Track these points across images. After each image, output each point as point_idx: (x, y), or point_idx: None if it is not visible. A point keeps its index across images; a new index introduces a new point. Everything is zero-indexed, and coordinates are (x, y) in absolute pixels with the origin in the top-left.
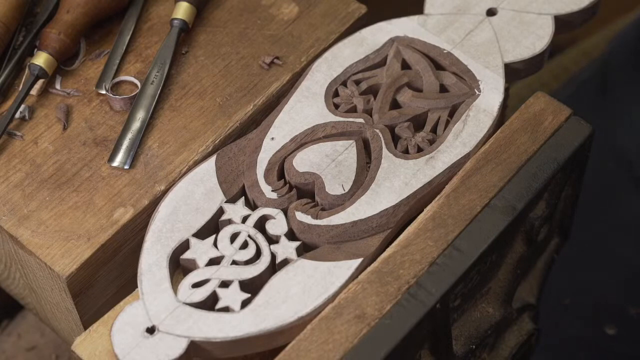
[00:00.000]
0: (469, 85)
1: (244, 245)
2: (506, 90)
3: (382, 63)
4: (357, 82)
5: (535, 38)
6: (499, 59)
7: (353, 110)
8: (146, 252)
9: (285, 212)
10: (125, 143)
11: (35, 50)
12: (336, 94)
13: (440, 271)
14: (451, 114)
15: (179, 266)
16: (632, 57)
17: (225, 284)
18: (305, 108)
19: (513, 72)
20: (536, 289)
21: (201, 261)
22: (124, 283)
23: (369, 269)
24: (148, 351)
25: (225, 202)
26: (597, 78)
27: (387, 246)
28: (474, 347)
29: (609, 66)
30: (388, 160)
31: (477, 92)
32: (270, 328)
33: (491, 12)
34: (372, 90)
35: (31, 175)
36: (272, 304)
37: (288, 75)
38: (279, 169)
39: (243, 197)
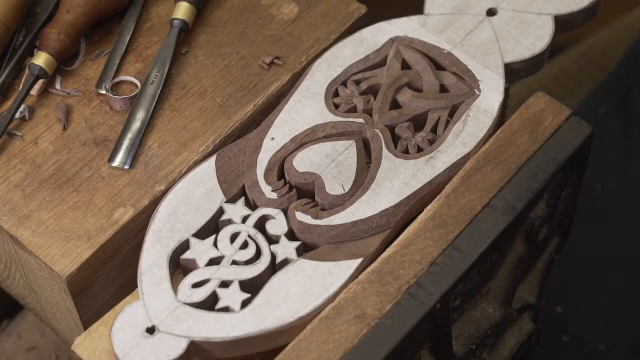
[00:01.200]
0: (469, 85)
1: (244, 245)
2: (506, 90)
3: (382, 63)
4: (357, 82)
5: (535, 38)
6: (499, 59)
7: (353, 110)
8: (146, 252)
9: (285, 212)
10: (125, 143)
11: (35, 50)
12: (336, 94)
13: (440, 271)
14: (451, 114)
15: (179, 266)
16: None
17: (225, 284)
18: (305, 108)
19: (513, 72)
20: (536, 289)
21: (201, 261)
22: (124, 283)
23: (369, 269)
24: (148, 351)
25: (225, 202)
26: (618, 111)
27: (387, 246)
28: (474, 347)
29: (630, 101)
30: (388, 160)
31: (477, 92)
32: (270, 328)
33: (491, 12)
34: (372, 90)
35: (31, 175)
36: (272, 304)
37: (288, 75)
38: (279, 169)
39: (243, 197)
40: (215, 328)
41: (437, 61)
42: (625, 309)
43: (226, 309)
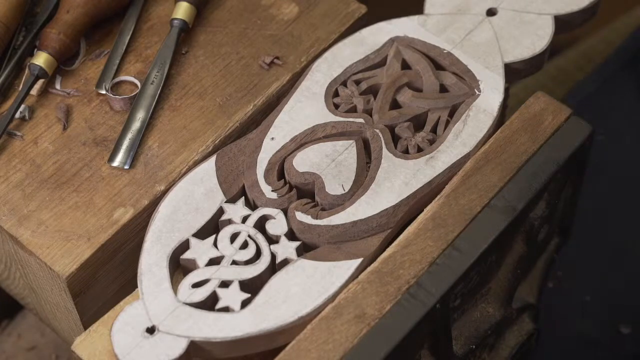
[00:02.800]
0: (469, 85)
1: (244, 245)
2: (506, 90)
3: (382, 63)
4: (357, 82)
5: (535, 38)
6: (499, 59)
7: (353, 110)
8: (146, 252)
9: (285, 212)
10: (125, 143)
11: (35, 50)
12: (336, 94)
13: (440, 271)
14: (451, 114)
15: (179, 266)
16: None
17: (225, 284)
18: (305, 108)
19: (513, 72)
20: (536, 289)
21: (201, 261)
22: (124, 283)
23: (369, 269)
24: (148, 351)
25: (225, 202)
26: (629, 69)
27: (387, 246)
28: (474, 347)
29: None
30: (388, 160)
31: (477, 92)
32: (270, 328)
33: (491, 12)
34: (372, 90)
35: (31, 175)
36: (272, 304)
37: (288, 75)
38: (279, 169)
39: (243, 197)
40: (215, 328)
41: (437, 61)
42: (616, 261)
43: (226, 309)
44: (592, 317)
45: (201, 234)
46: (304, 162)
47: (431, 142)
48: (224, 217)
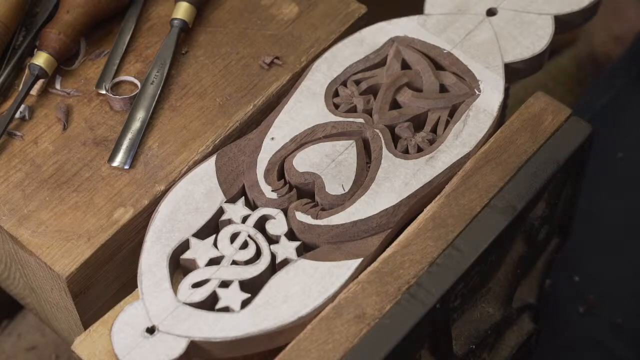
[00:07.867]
0: (469, 85)
1: (244, 245)
2: (506, 90)
3: (382, 63)
4: (357, 82)
5: (535, 38)
6: (499, 59)
7: (353, 110)
8: (146, 252)
9: (285, 212)
10: (125, 143)
11: (35, 50)
12: (336, 94)
13: (440, 271)
14: (451, 114)
15: (179, 266)
16: None
17: (225, 284)
18: (305, 108)
19: (513, 72)
20: (536, 289)
21: (201, 261)
22: (124, 283)
23: (369, 269)
24: (148, 351)
25: (225, 202)
26: (637, 82)
27: (387, 246)
28: (474, 347)
29: None
30: (388, 160)
31: (477, 92)
32: (270, 328)
33: (491, 12)
34: (372, 90)
35: (31, 175)
36: (272, 304)
37: (288, 75)
38: (279, 169)
39: (243, 197)
40: (215, 328)
41: (437, 61)
42: None
43: (226, 309)
44: (623, 337)
45: (201, 234)
46: (304, 162)
47: (431, 142)
48: (224, 217)
